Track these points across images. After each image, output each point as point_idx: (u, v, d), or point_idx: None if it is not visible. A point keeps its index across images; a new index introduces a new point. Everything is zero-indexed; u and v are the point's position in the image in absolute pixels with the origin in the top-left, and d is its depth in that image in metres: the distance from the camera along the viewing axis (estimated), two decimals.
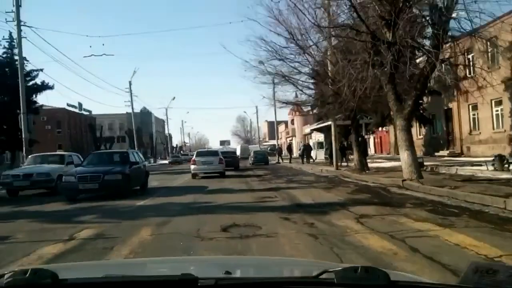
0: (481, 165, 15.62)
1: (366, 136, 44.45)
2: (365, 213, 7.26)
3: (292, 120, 67.60)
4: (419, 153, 32.60)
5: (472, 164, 16.88)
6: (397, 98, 11.99)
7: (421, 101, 21.70)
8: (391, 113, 21.51)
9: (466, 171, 14.70)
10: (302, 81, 17.78)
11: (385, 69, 11.71)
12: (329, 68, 16.51)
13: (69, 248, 5.46)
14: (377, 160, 27.34)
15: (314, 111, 41.03)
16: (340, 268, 1.24)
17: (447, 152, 27.78)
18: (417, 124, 26.68)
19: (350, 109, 16.53)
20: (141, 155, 14.33)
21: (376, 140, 43.98)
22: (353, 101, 15.52)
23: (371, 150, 41.66)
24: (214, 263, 2.25)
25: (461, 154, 25.90)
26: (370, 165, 21.90)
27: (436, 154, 28.52)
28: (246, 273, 1.79)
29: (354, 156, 17.67)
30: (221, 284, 1.22)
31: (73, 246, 5.62)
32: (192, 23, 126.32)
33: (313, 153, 33.11)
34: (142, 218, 7.79)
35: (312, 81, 17.84)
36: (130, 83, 48.17)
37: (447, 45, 11.84)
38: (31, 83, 34.88)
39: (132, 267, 2.13)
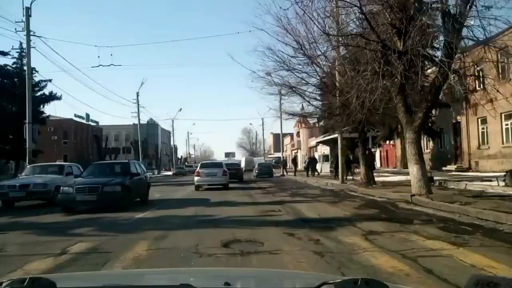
0: (491, 181, 15.19)
1: (372, 149, 44.31)
2: (373, 230, 6.90)
3: (298, 133, 67.30)
4: (426, 167, 32.28)
5: (481, 179, 16.43)
6: (407, 110, 11.67)
7: (430, 114, 21.38)
8: (400, 125, 21.41)
9: (476, 186, 14.26)
10: (310, 92, 17.57)
11: (395, 79, 11.43)
12: (337, 79, 16.26)
13: (59, 264, 5.14)
14: (384, 174, 26.89)
15: (321, 123, 40.94)
16: (340, 280, 1.22)
17: (455, 166, 27.31)
18: (425, 137, 26.27)
19: (358, 121, 16.22)
20: (142, 166, 14.04)
21: (382, 153, 43.48)
22: (361, 113, 15.23)
23: (377, 164, 41.24)
24: (214, 274, 2.20)
25: (469, 169, 25.37)
26: (376, 179, 21.50)
27: (444, 168, 28.05)
28: (245, 285, 1.75)
29: (361, 170, 17.31)
30: None
31: (63, 261, 5.31)
32: (199, 33, 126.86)
33: (318, 166, 32.74)
34: (140, 231, 7.48)
35: (319, 92, 17.59)
36: (137, 94, 48.17)
37: (457, 55, 11.56)
38: (39, 93, 34.97)
39: (131, 277, 2.11)
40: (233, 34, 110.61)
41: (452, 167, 27.55)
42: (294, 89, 17.19)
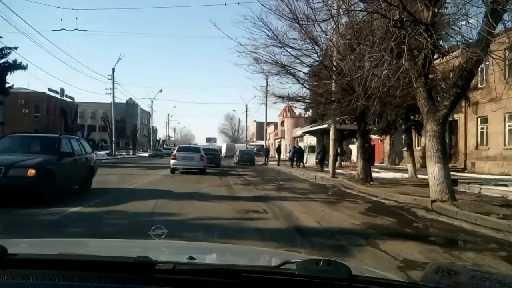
0: (506, 185, 13.30)
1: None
2: (408, 258, 4.53)
3: (283, 122, 65.11)
4: (416, 165, 30.50)
5: (495, 183, 14.41)
6: (430, 96, 9.32)
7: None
8: (402, 119, 19.19)
9: (493, 191, 12.23)
10: (304, 73, 14.99)
11: (416, 59, 9.06)
12: (338, 58, 13.76)
13: None
14: (374, 170, 24.97)
15: (308, 113, 38.68)
16: (302, 260, 1.21)
17: (449, 166, 25.52)
18: (416, 133, 24.22)
19: (358, 110, 13.88)
20: (85, 144, 10.59)
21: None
22: (364, 99, 12.88)
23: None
24: (177, 247, 2.14)
25: (464, 169, 23.93)
26: None
27: None
28: (209, 260, 1.76)
29: (358, 164, 15.00)
30: (179, 269, 1.18)
31: None
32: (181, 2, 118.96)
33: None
34: (58, 237, 4.90)
35: (315, 73, 15.03)
36: (113, 69, 44.91)
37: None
38: (1, 61, 31.48)
39: (89, 246, 2.06)
40: (219, 5, 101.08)
41: None
42: (286, 68, 14.57)
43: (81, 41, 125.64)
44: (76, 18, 27.69)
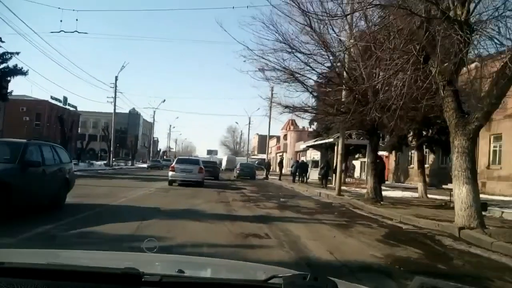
0: None
1: (362, 160, 41.08)
2: None
3: (285, 135, 64.16)
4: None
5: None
6: (459, 107, 8.21)
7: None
8: (414, 134, 17.97)
9: None
10: (315, 80, 13.89)
11: (445, 64, 7.99)
12: (351, 66, 12.70)
13: None
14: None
15: (313, 126, 37.58)
16: (290, 274, 1.21)
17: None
18: (429, 150, 23.03)
19: (371, 123, 12.78)
20: (61, 152, 9.01)
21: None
22: (379, 111, 11.79)
23: (364, 175, 38.05)
24: (170, 260, 2.14)
25: None
26: (365, 190, 18.44)
27: (444, 186, 25.24)
28: (198, 273, 1.76)
29: (368, 182, 13.81)
30: (166, 281, 1.19)
31: None
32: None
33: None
34: None
35: (327, 82, 13.92)
36: (116, 78, 44.10)
37: None
38: (1, 66, 30.62)
39: (78, 257, 2.05)
40: (227, 8, 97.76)
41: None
42: (295, 75, 13.47)
43: (84, 48, 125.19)
44: (76, 20, 26.57)
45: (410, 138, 19.75)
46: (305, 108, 13.94)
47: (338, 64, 13.04)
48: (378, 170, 13.74)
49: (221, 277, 1.63)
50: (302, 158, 44.09)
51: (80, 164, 36.59)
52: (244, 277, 1.72)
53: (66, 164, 8.88)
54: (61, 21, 25.63)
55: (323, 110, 14.01)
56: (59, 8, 20.47)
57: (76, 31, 21.47)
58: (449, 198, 14.86)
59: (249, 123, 60.04)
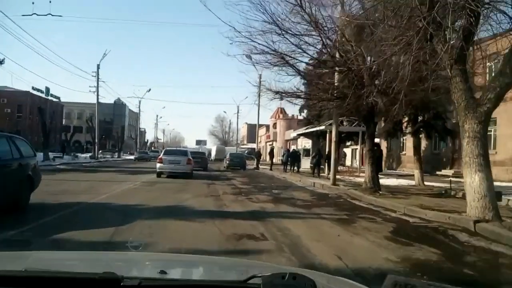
0: None
1: (353, 147, 40.50)
2: None
3: (275, 124, 63.35)
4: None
5: None
6: (469, 88, 7.46)
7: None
8: (409, 121, 17.25)
9: None
10: (306, 63, 13.00)
11: (452, 41, 7.20)
12: (344, 46, 11.85)
13: None
14: None
15: (303, 114, 36.78)
16: (269, 274, 1.23)
17: (452, 171, 24.27)
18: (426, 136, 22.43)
19: (368, 108, 12.01)
20: (22, 144, 7.78)
21: (362, 152, 40.05)
22: (377, 95, 11.04)
23: (355, 163, 37.50)
24: (151, 259, 2.12)
25: None
26: (359, 179, 18.15)
27: (438, 173, 24.87)
28: (180, 274, 1.76)
29: (366, 171, 13.07)
30: (145, 285, 1.19)
31: None
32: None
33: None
34: None
35: (319, 65, 13.07)
36: (98, 66, 42.55)
37: None
38: None
39: (57, 260, 2.01)
40: None
41: (448, 171, 24.84)
42: (285, 58, 12.58)
43: (65, 36, 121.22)
44: (50, 2, 24.71)
45: (405, 124, 19.11)
46: (297, 93, 13.08)
47: (331, 44, 12.16)
48: (375, 158, 13.01)
49: (201, 279, 1.68)
50: (293, 147, 43.41)
51: (64, 157, 35.42)
52: (227, 276, 1.73)
53: (28, 159, 7.72)
54: (33, 3, 23.70)
55: (316, 95, 13.16)
56: None
57: (49, 14, 20.11)
58: (449, 185, 14.29)
59: (238, 112, 59.23)
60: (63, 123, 71.94)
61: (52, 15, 20.73)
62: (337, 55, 12.05)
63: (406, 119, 18.35)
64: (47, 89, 60.70)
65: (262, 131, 67.66)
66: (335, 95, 12.64)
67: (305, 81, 13.35)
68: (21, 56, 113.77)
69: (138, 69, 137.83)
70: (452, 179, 21.52)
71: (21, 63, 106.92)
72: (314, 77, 13.21)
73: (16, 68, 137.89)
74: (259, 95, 22.04)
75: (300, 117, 44.72)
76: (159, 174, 18.55)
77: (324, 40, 12.20)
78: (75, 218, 7.03)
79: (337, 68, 12.52)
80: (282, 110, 61.79)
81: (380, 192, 12.53)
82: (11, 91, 58.58)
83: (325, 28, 12.13)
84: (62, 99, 67.30)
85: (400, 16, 7.71)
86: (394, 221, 7.96)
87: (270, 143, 62.02)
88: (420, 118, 17.90)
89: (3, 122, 53.04)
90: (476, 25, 6.95)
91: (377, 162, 13.16)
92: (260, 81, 21.06)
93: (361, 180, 19.06)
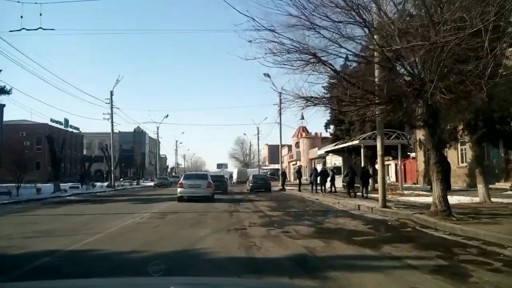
0: None
1: (388, 163, 37.16)
2: None
3: (297, 143, 60.56)
4: (462, 184, 25.31)
5: None
6: None
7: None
8: (472, 124, 14.13)
9: None
10: (347, 58, 10.33)
11: None
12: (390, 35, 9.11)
13: None
14: (415, 192, 20.61)
15: (329, 130, 33.86)
16: None
17: (509, 184, 21.21)
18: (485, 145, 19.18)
19: (431, 109, 9.21)
20: None
21: (397, 167, 36.78)
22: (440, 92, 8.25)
23: (390, 178, 34.17)
24: (175, 284, 2.07)
25: None
26: (412, 198, 16.32)
27: (492, 186, 21.54)
28: None
29: (433, 189, 10.06)
30: None
31: None
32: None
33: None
34: None
35: (363, 61, 10.38)
36: (111, 93, 41.38)
37: None
38: None
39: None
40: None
41: (503, 184, 21.55)
42: (318, 55, 9.95)
43: (77, 65, 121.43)
44: (40, 15, 22.77)
45: (460, 131, 16.11)
46: (342, 98, 10.28)
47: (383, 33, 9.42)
48: (443, 173, 10.05)
49: None
50: (318, 165, 40.43)
51: (82, 187, 33.70)
52: None
53: None
54: (21, 17, 21.30)
55: (364, 97, 10.35)
56: (18, 1, 16.75)
57: (40, 27, 18.13)
58: None
59: (258, 133, 57.05)
60: (84, 153, 71.42)
61: (43, 29, 18.61)
62: (397, 40, 9.19)
63: (462, 125, 15.35)
64: (66, 121, 60.31)
65: (284, 151, 65.02)
66: (389, 96, 9.86)
67: (349, 83, 10.61)
68: (38, 89, 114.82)
69: (153, 94, 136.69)
70: (510, 193, 18.40)
71: (38, 96, 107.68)
72: (359, 76, 10.53)
73: (34, 103, 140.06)
74: (280, 114, 19.68)
75: (325, 135, 41.89)
76: (180, 199, 18.42)
77: (368, 26, 9.53)
78: (56, 263, 4.52)
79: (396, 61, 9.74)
80: (304, 129, 59.17)
81: (456, 216, 9.55)
82: (29, 124, 58.45)
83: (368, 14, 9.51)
84: (82, 130, 66.90)
85: None
86: None
87: (294, 162, 59.11)
88: (480, 124, 14.84)
89: (22, 155, 52.14)
90: None
91: (447, 177, 10.19)
92: (280, 99, 18.55)
93: (413, 199, 16.15)
